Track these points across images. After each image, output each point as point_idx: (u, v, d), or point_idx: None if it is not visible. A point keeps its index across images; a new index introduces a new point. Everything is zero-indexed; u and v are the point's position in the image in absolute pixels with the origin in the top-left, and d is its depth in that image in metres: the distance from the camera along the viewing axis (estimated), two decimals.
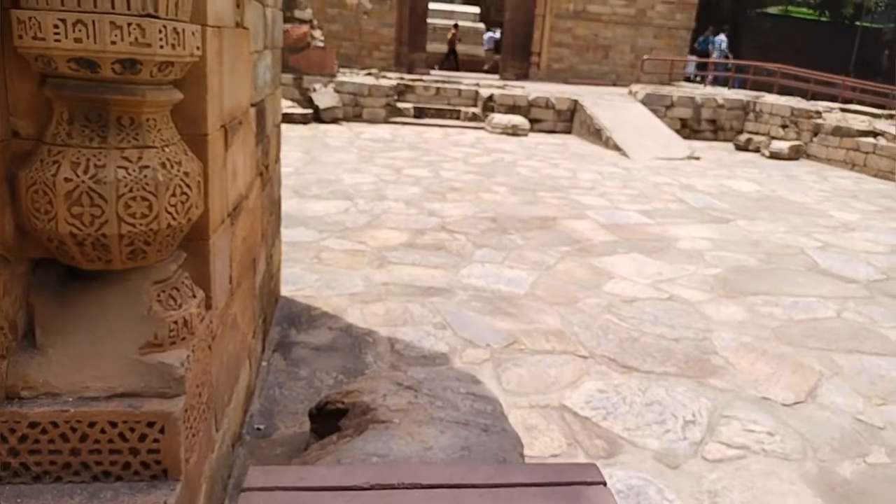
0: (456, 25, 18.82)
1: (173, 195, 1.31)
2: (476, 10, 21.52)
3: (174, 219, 1.32)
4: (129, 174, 1.25)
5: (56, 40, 1.17)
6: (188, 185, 1.35)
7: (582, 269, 4.47)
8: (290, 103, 10.56)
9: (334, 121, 11.02)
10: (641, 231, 5.55)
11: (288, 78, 10.68)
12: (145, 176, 1.27)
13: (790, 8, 27.53)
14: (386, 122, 11.50)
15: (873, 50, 28.58)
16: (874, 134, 9.81)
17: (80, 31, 1.17)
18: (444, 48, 19.12)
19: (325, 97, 11.02)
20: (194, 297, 1.49)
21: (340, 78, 11.68)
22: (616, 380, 2.94)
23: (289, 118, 9.96)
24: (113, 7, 1.17)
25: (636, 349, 3.27)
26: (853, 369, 3.21)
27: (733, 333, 3.54)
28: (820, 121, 10.78)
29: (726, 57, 18.98)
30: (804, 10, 28.44)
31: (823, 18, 27.90)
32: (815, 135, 10.75)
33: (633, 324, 3.58)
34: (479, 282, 4.08)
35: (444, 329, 3.34)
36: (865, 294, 4.32)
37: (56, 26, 1.16)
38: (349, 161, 7.80)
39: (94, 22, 1.16)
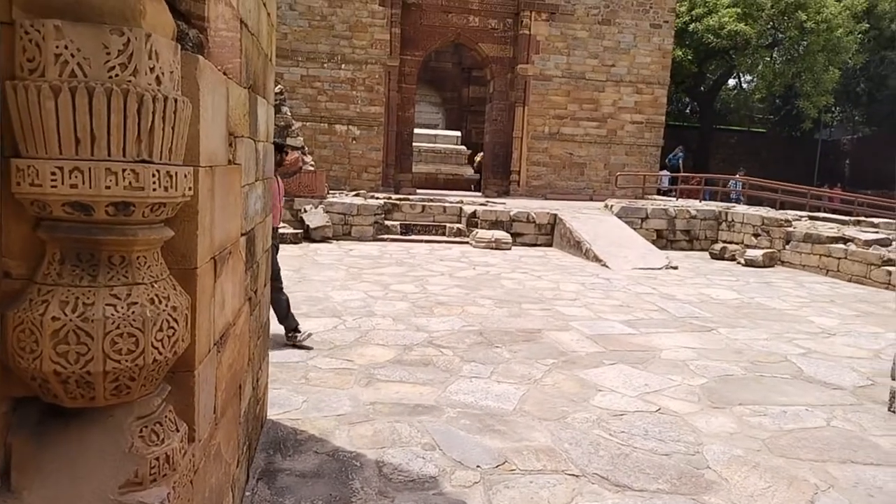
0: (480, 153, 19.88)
1: (160, 330, 1.34)
2: (458, 133, 22.60)
3: (160, 353, 1.34)
4: (118, 311, 1.28)
5: (52, 186, 1.23)
6: (175, 320, 1.38)
7: (569, 382, 4.44)
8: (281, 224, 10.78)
9: (324, 239, 11.24)
10: (626, 342, 5.57)
11: None
12: (133, 312, 1.30)
13: (752, 127, 29.23)
14: (374, 239, 11.75)
15: (835, 160, 30.13)
16: (844, 240, 10.14)
17: (76, 177, 1.24)
18: (427, 169, 19.91)
19: (315, 217, 11.30)
20: (177, 430, 1.47)
21: (330, 199, 12.05)
22: (609, 499, 2.86)
23: (280, 238, 10.13)
24: (109, 154, 1.25)
25: (628, 465, 3.20)
26: (849, 481, 3.15)
27: (724, 446, 3.49)
28: (790, 229, 11.17)
29: (677, 168, 19.99)
30: (762, 128, 30.18)
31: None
32: (788, 242, 11.10)
33: (623, 438, 3.52)
34: (468, 398, 4.03)
35: (432, 450, 3.27)
36: (853, 401, 4.31)
37: (53, 173, 1.23)
38: (338, 278, 7.88)
39: (90, 169, 1.24)
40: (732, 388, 4.48)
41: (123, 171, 1.25)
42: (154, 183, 1.29)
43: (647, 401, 4.13)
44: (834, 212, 15.20)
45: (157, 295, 1.36)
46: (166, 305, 1.37)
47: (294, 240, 10.78)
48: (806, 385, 4.61)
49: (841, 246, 10.03)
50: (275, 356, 4.35)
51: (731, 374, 4.77)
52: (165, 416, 1.46)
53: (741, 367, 4.95)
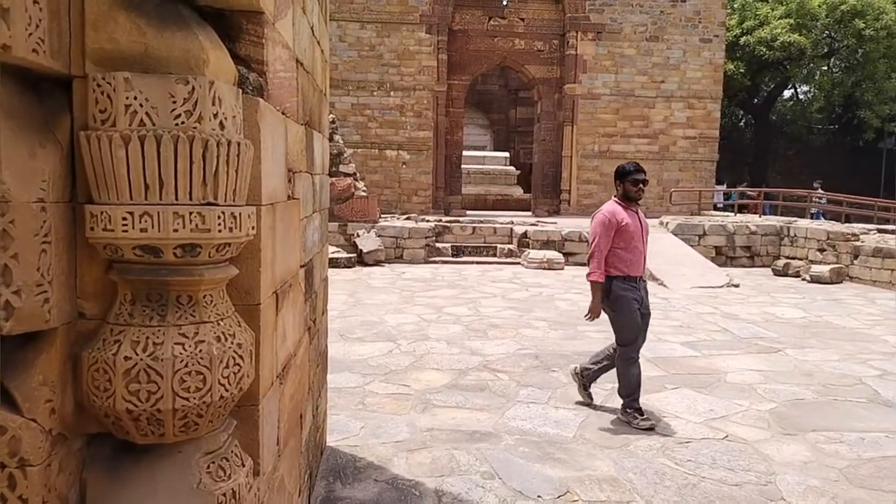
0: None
1: (226, 367, 1.36)
2: (506, 154, 22.64)
3: (227, 390, 1.37)
4: (185, 350, 1.32)
5: (124, 231, 1.28)
6: (241, 356, 1.41)
7: None
8: (335, 249, 11.00)
9: (377, 263, 11.38)
10: (688, 364, 5.40)
11: (333, 226, 11.23)
12: (200, 351, 1.33)
13: (811, 138, 28.25)
14: (426, 261, 11.82)
15: None
16: None
17: (146, 221, 1.28)
18: (476, 190, 19.97)
19: (368, 241, 11.46)
20: (243, 465, 1.49)
21: (382, 223, 12.21)
22: None
23: (334, 263, 10.34)
24: (176, 199, 1.29)
25: (696, 496, 3.08)
26: None
27: (798, 476, 3.32)
28: (858, 243, 10.68)
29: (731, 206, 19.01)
30: (822, 139, 29.10)
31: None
32: (856, 257, 10.61)
33: (689, 468, 3.39)
34: (526, 424, 3.97)
35: (492, 479, 3.22)
36: None
37: (124, 218, 1.28)
38: (392, 301, 7.94)
39: (158, 213, 1.28)
40: (804, 413, 4.27)
41: (190, 214, 1.29)
42: (219, 224, 1.32)
43: (714, 427, 3.98)
44: None
45: (223, 333, 1.39)
46: (232, 343, 1.39)
47: (347, 264, 10.93)
48: (884, 410, 4.36)
49: None
50: (332, 381, 4.39)
51: (802, 399, 4.56)
52: (231, 451, 1.48)
53: (812, 391, 4.72)
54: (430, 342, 5.95)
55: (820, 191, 18.81)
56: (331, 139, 11.48)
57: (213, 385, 1.34)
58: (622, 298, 4.03)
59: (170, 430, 1.33)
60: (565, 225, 13.20)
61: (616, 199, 4.16)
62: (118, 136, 1.23)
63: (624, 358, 4.12)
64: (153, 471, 1.38)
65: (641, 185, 4.08)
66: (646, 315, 4.18)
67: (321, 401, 3.29)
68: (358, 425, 3.88)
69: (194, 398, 1.32)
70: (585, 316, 4.15)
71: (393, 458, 3.45)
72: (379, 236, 11.77)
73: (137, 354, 1.29)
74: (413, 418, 4.02)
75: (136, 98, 1.24)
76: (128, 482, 1.37)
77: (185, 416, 1.33)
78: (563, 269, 11.47)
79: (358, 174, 12.85)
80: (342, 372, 4.89)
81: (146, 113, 1.24)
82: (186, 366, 1.31)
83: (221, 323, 1.40)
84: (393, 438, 3.70)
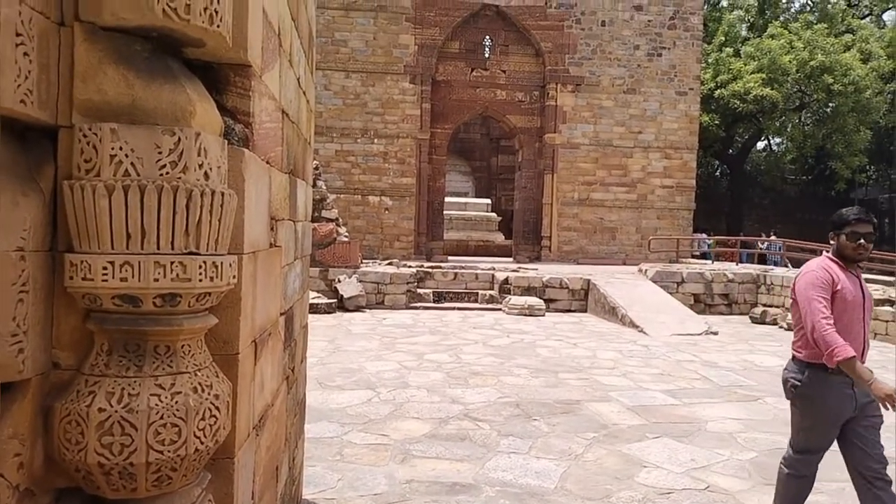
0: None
1: (202, 419, 1.34)
2: (487, 201, 22.90)
3: (202, 443, 1.34)
4: (161, 401, 1.29)
5: (104, 280, 1.27)
6: (217, 408, 1.38)
7: (612, 457, 4.29)
8: (315, 294, 10.93)
9: (358, 308, 11.31)
10: (669, 413, 5.39)
11: (315, 271, 11.19)
12: (176, 402, 1.31)
13: (784, 188, 28.99)
14: (407, 307, 11.78)
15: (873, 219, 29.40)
16: (891, 302, 9.81)
17: (126, 271, 1.27)
18: (458, 236, 20.11)
19: (349, 287, 11.42)
20: None
21: (364, 268, 12.20)
22: None
23: (315, 308, 10.25)
24: (158, 248, 1.29)
25: None
26: None
27: None
28: None
29: (706, 254, 19.40)
30: (795, 189, 29.88)
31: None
32: None
33: None
34: (506, 475, 3.91)
35: None
36: None
37: (105, 268, 1.26)
38: (372, 348, 7.86)
39: (140, 262, 1.27)
40: None
41: (171, 263, 1.28)
42: (201, 274, 1.32)
43: (695, 477, 3.95)
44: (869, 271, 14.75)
45: (200, 383, 1.37)
46: (209, 394, 1.37)
47: (328, 309, 10.85)
48: None
49: (888, 308, 9.69)
50: (309, 430, 4.31)
51: (783, 448, 4.55)
52: None
53: None
54: (410, 390, 5.89)
55: (773, 237, 19.29)
56: (314, 185, 11.55)
57: (188, 437, 1.31)
58: (819, 398, 2.91)
59: (142, 485, 1.30)
60: (546, 271, 13.29)
61: (828, 255, 3.01)
62: (102, 186, 1.24)
63: (789, 468, 3.14)
64: None
65: (863, 241, 2.90)
66: (869, 424, 2.88)
67: (297, 452, 3.23)
68: (335, 477, 3.80)
69: (169, 451, 1.29)
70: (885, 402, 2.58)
71: None
72: (360, 282, 11.73)
73: (112, 406, 1.27)
74: (392, 469, 3.94)
75: (121, 148, 1.25)
76: None
77: (159, 470, 1.30)
78: (544, 315, 11.49)
79: (340, 219, 12.89)
80: (320, 421, 4.80)
81: (131, 163, 1.25)
82: (162, 418, 1.28)
83: (199, 374, 1.38)
84: (371, 491, 3.62)
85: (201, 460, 1.38)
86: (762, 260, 18.48)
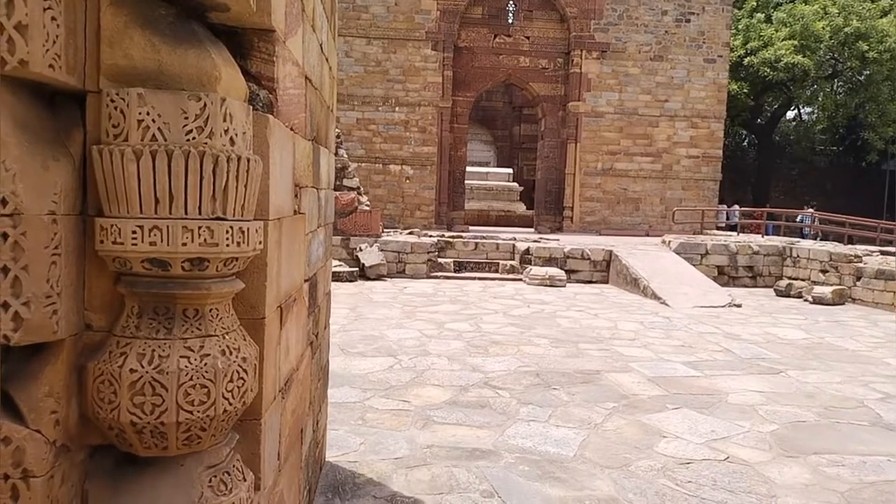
0: None
1: (230, 381, 1.37)
2: (509, 170, 22.74)
3: (230, 404, 1.37)
4: (191, 363, 1.32)
5: (133, 244, 1.29)
6: (245, 370, 1.41)
7: (631, 427, 4.31)
8: (337, 263, 11.03)
9: (379, 277, 11.39)
10: (689, 384, 5.38)
11: (336, 240, 11.28)
12: (205, 364, 1.34)
13: (814, 159, 28.34)
14: (428, 276, 11.84)
15: None
16: None
17: (155, 235, 1.29)
18: (479, 206, 20.05)
19: (370, 256, 11.49)
20: (244, 480, 1.49)
21: (385, 237, 12.24)
22: None
23: (336, 277, 10.35)
24: (186, 213, 1.31)
25: None
26: None
27: (800, 499, 3.30)
28: (861, 265, 10.68)
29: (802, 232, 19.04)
30: (825, 160, 29.18)
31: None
32: (858, 279, 10.60)
33: (690, 489, 3.37)
34: (526, 442, 3.95)
35: (491, 497, 3.20)
36: None
37: (134, 232, 1.29)
38: (393, 316, 7.93)
39: (168, 227, 1.29)
40: (806, 435, 4.25)
41: (199, 228, 1.30)
42: (227, 239, 1.34)
43: (715, 448, 3.96)
44: None
45: (228, 346, 1.39)
46: (237, 356, 1.40)
47: (349, 278, 10.95)
48: (886, 433, 4.33)
49: None
50: (332, 395, 4.38)
51: (804, 421, 4.54)
52: (233, 466, 1.48)
53: (814, 413, 4.70)
54: (430, 358, 5.94)
55: (809, 210, 18.93)
56: (336, 154, 11.56)
57: (216, 399, 1.34)
58: None
59: (173, 444, 1.33)
60: (568, 242, 13.23)
61: None
62: (130, 151, 1.25)
63: None
64: (155, 484, 1.38)
65: None
66: None
67: (321, 416, 3.29)
68: (357, 441, 3.87)
69: (198, 412, 1.32)
70: None
71: (392, 474, 3.43)
72: (381, 251, 11.79)
73: (143, 367, 1.30)
74: (413, 434, 4.01)
75: (148, 113, 1.26)
76: (129, 494, 1.38)
77: (189, 430, 1.33)
78: (564, 286, 11.47)
79: (361, 188, 12.91)
80: (342, 387, 4.88)
81: (158, 128, 1.26)
82: (191, 379, 1.31)
83: (227, 337, 1.41)
84: (392, 455, 3.69)
85: (229, 421, 1.41)
86: (797, 233, 18.15)
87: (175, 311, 1.35)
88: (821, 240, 15.43)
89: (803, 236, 17.57)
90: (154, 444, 1.33)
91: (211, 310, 1.39)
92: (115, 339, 1.35)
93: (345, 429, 4.04)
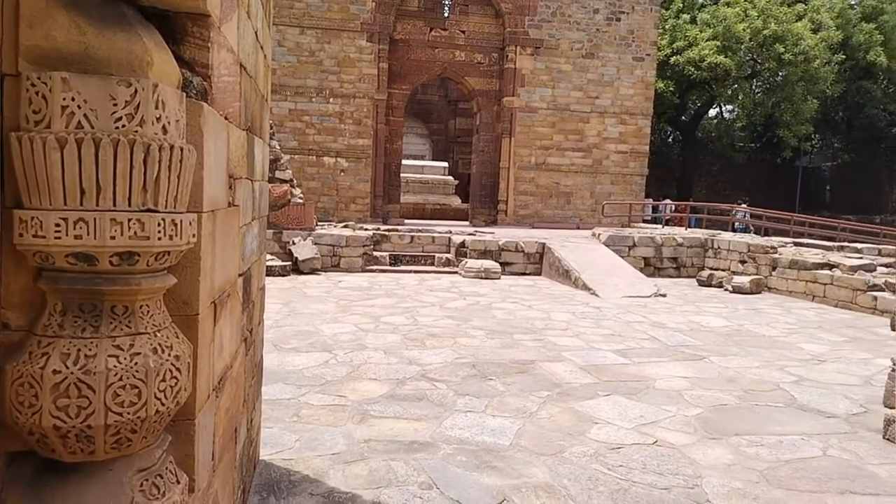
0: None
1: (163, 380, 1.32)
2: (445, 164, 22.80)
3: (163, 404, 1.32)
4: (120, 363, 1.26)
5: (56, 237, 1.22)
6: (178, 369, 1.36)
7: (565, 414, 4.41)
8: (270, 256, 10.77)
9: (313, 271, 11.20)
10: (619, 372, 5.56)
11: (268, 233, 10.98)
12: (136, 363, 1.28)
13: (733, 155, 29.75)
14: (363, 270, 11.73)
15: (816, 187, 30.65)
16: (829, 266, 10.26)
17: (80, 228, 1.22)
18: (414, 199, 20.04)
19: (304, 249, 11.28)
20: (178, 482, 1.44)
21: (319, 231, 12.04)
22: None
23: (269, 271, 10.10)
24: (115, 204, 1.24)
25: (628, 501, 3.17)
26: None
27: (723, 478, 3.47)
28: (776, 255, 11.29)
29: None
30: (744, 156, 30.68)
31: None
32: (774, 269, 11.21)
33: (621, 473, 3.49)
34: (463, 433, 3.99)
35: (429, 489, 3.21)
36: (847, 429, 4.31)
37: (58, 224, 1.22)
38: (328, 311, 7.83)
39: (95, 219, 1.23)
40: (727, 417, 4.47)
41: (129, 220, 1.24)
42: (159, 232, 1.28)
43: (644, 433, 4.11)
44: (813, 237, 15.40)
45: (160, 344, 1.34)
46: (169, 355, 1.35)
47: (282, 272, 10.73)
48: (800, 413, 4.61)
49: (826, 272, 10.14)
50: (266, 392, 4.29)
51: (726, 404, 4.77)
52: (166, 468, 1.43)
53: (735, 396, 4.95)
54: (367, 352, 5.90)
55: (743, 206, 19.86)
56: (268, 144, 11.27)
57: (148, 399, 1.29)
58: None
59: (101, 448, 1.27)
60: (502, 235, 13.39)
61: None
62: (53, 139, 1.18)
63: None
64: (81, 491, 1.32)
65: None
66: None
67: (255, 413, 3.21)
68: (293, 438, 3.80)
69: (128, 413, 1.27)
70: None
71: (329, 470, 3.39)
72: (315, 244, 11.60)
73: (68, 368, 1.23)
74: (350, 429, 3.97)
75: (73, 99, 1.19)
76: (53, 503, 1.30)
77: (118, 432, 1.27)
78: (499, 278, 11.62)
79: (294, 181, 12.65)
80: (276, 383, 4.79)
81: (84, 115, 1.20)
82: (121, 379, 1.26)
83: (158, 334, 1.35)
84: (329, 451, 3.65)
85: (162, 422, 1.36)
86: (730, 227, 18.92)
87: (102, 307, 1.29)
88: (752, 234, 16.17)
89: (736, 230, 18.34)
90: (80, 448, 1.27)
91: (141, 306, 1.33)
92: (37, 339, 1.27)
93: (279, 426, 3.96)
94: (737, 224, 19.24)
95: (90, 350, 1.26)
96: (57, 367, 1.23)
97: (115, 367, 1.25)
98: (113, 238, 1.24)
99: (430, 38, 17.57)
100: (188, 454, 1.54)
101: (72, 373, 1.23)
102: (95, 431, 1.25)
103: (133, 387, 1.27)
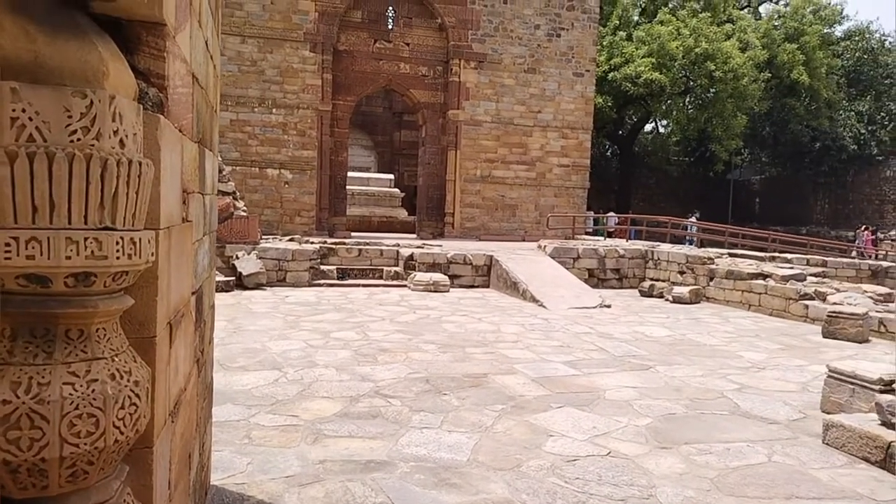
0: None
1: (122, 408, 1.24)
2: (390, 176, 22.75)
3: (122, 433, 1.24)
4: (76, 390, 1.18)
5: (7, 258, 1.13)
6: (137, 395, 1.28)
7: (520, 427, 4.42)
8: None
9: (258, 286, 10.93)
10: (570, 383, 5.62)
11: None
12: (93, 391, 1.20)
13: (668, 168, 30.83)
14: (310, 285, 11.53)
15: (746, 199, 32.05)
16: (763, 276, 10.70)
17: (33, 248, 1.14)
18: (360, 212, 19.89)
19: (248, 264, 11.00)
20: None
21: (263, 244, 11.78)
22: None
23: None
24: (70, 223, 1.17)
25: None
26: None
27: (676, 487, 3.53)
28: (713, 266, 11.70)
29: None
30: (678, 169, 31.82)
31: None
32: (711, 279, 11.61)
33: (578, 485, 3.51)
34: (420, 450, 3.94)
35: None
36: (789, 435, 4.47)
37: (7, 244, 1.13)
38: (275, 327, 7.64)
39: (49, 238, 1.15)
40: (676, 426, 4.57)
41: (85, 239, 1.17)
42: (118, 251, 1.21)
43: (598, 444, 4.16)
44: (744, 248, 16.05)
45: (118, 369, 1.26)
46: (128, 380, 1.27)
47: (226, 288, 10.42)
48: (744, 421, 4.76)
49: (761, 282, 10.57)
50: (215, 414, 4.14)
51: (674, 413, 4.88)
52: (123, 500, 1.34)
53: (682, 406, 5.07)
54: (318, 369, 5.78)
55: (693, 219, 20.59)
56: None
57: (107, 428, 1.21)
58: None
59: (55, 482, 1.19)
60: (450, 248, 13.42)
61: None
62: (2, 152, 1.10)
63: None
64: None
65: None
66: None
67: (206, 437, 3.09)
68: (244, 461, 3.67)
69: (85, 444, 1.19)
70: None
71: (284, 494, 3.29)
72: (260, 258, 11.34)
73: (19, 397, 1.14)
74: (304, 450, 3.87)
75: (24, 111, 1.11)
76: None
77: (74, 465, 1.19)
78: (448, 291, 11.62)
79: (237, 193, 12.37)
80: (225, 404, 4.63)
81: (36, 127, 1.12)
82: (77, 408, 1.18)
83: (116, 359, 1.28)
84: (283, 473, 3.54)
85: (121, 452, 1.28)
86: (681, 239, 19.46)
87: (56, 332, 1.20)
88: (695, 244, 16.70)
89: (686, 243, 18.86)
90: (32, 483, 1.18)
91: (98, 329, 1.26)
92: None
93: (230, 449, 3.83)
94: (686, 238, 19.85)
95: (43, 378, 1.17)
96: (6, 396, 1.14)
97: (70, 395, 1.17)
98: (69, 258, 1.16)
99: (375, 50, 17.55)
100: (146, 484, 1.46)
101: (23, 402, 1.14)
102: (49, 465, 1.16)
103: (90, 416, 1.19)
